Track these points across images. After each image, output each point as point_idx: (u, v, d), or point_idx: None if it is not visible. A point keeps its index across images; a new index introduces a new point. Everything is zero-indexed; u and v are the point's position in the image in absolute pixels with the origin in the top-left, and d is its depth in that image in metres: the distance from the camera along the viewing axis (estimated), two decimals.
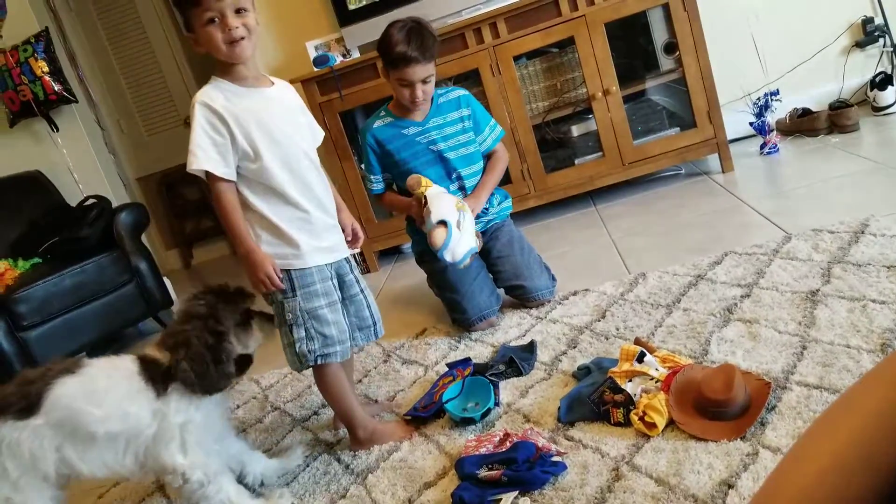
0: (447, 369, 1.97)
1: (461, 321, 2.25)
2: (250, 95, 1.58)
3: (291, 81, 3.11)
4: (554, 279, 2.33)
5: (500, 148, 2.40)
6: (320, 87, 3.14)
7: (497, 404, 1.73)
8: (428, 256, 2.37)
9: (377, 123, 2.27)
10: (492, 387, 1.74)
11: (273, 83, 1.67)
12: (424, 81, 2.13)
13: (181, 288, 4.46)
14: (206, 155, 1.52)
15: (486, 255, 2.32)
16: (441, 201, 2.06)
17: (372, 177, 2.33)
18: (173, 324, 1.54)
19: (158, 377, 1.46)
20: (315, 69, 3.12)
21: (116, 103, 5.10)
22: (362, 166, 2.37)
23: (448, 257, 2.02)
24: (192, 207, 5.20)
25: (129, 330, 3.60)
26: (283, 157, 1.59)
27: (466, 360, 1.97)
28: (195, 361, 1.44)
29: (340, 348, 1.66)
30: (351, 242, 1.82)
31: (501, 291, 2.34)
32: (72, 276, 3.11)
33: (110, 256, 3.26)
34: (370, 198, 2.46)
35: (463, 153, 2.28)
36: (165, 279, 3.64)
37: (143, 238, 3.54)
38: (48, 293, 3.03)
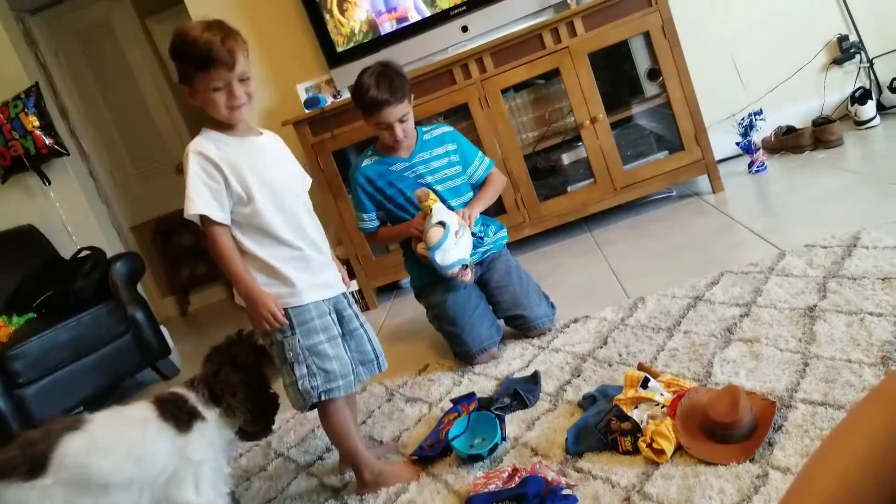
0: (451, 405, 1.96)
1: (462, 354, 2.24)
2: (241, 144, 1.62)
3: (283, 123, 3.19)
4: (553, 307, 2.34)
5: (495, 172, 2.45)
6: (312, 128, 3.17)
7: (504, 438, 1.71)
8: (427, 291, 2.38)
9: (365, 162, 2.31)
10: (498, 421, 1.73)
11: (262, 133, 1.71)
12: (401, 120, 2.18)
13: (178, 336, 4.43)
14: (202, 200, 1.54)
15: (484, 285, 2.33)
16: (445, 210, 2.14)
17: (364, 215, 2.36)
18: (213, 368, 1.61)
19: (183, 414, 1.51)
20: (306, 111, 3.16)
21: (108, 153, 5.13)
22: (356, 211, 2.41)
23: (438, 258, 2.06)
24: (186, 254, 5.20)
25: (127, 381, 3.57)
26: (276, 200, 1.62)
27: (470, 395, 1.96)
28: (250, 407, 1.59)
29: (343, 382, 1.66)
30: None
31: (501, 322, 2.34)
32: (67, 329, 3.09)
33: (106, 307, 3.24)
34: (365, 237, 2.49)
35: (450, 185, 2.32)
36: (162, 327, 3.62)
37: (139, 287, 3.54)
38: (44, 348, 3.00)
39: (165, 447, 1.46)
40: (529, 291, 2.31)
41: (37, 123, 3.80)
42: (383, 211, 2.35)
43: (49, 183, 3.99)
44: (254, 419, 1.61)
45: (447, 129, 2.39)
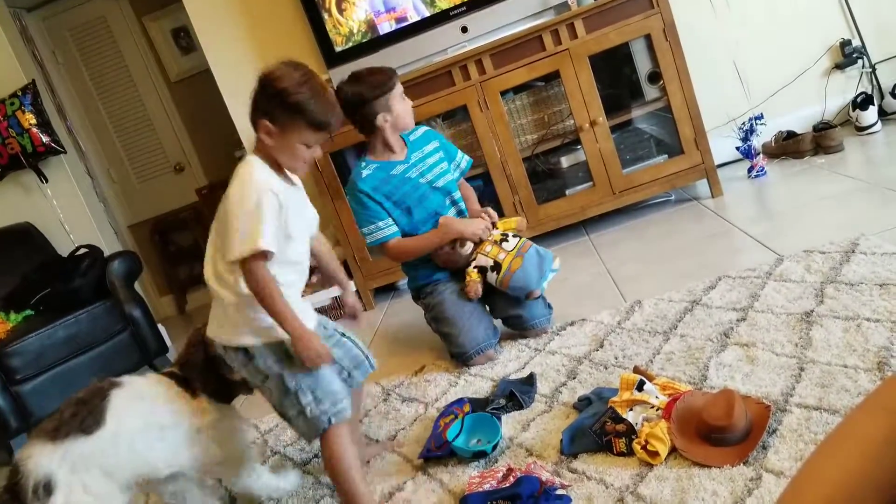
0: (446, 409, 1.95)
1: (459, 355, 2.24)
2: (288, 190, 1.58)
3: None
4: (550, 307, 2.33)
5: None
6: None
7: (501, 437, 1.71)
8: (425, 292, 2.38)
9: (364, 173, 2.26)
10: (496, 419, 1.73)
11: (295, 182, 1.67)
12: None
13: (176, 334, 4.43)
14: (272, 237, 1.47)
15: (486, 290, 2.32)
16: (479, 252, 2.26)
17: (380, 223, 2.26)
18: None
19: (185, 385, 1.69)
20: None
21: (106, 152, 5.12)
22: (363, 229, 2.30)
23: (531, 285, 2.22)
24: (184, 253, 5.19)
25: None
26: (298, 248, 1.61)
27: (461, 400, 1.96)
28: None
29: (347, 402, 1.60)
30: (349, 318, 1.88)
31: (499, 323, 2.34)
32: (65, 327, 3.09)
33: (104, 306, 3.24)
34: (387, 251, 2.32)
35: (449, 179, 2.37)
36: (160, 326, 3.62)
37: (137, 286, 3.53)
38: (41, 345, 3.00)
39: (186, 406, 1.66)
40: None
41: (34, 121, 3.80)
42: (393, 218, 2.30)
43: (46, 181, 3.98)
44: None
45: (425, 128, 2.46)
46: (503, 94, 3.14)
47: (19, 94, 3.82)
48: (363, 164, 2.30)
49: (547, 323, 2.29)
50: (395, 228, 2.27)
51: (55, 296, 3.30)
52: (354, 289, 1.88)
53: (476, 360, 2.22)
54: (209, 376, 1.70)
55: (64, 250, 3.69)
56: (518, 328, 2.30)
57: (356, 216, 2.33)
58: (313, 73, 1.53)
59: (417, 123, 2.44)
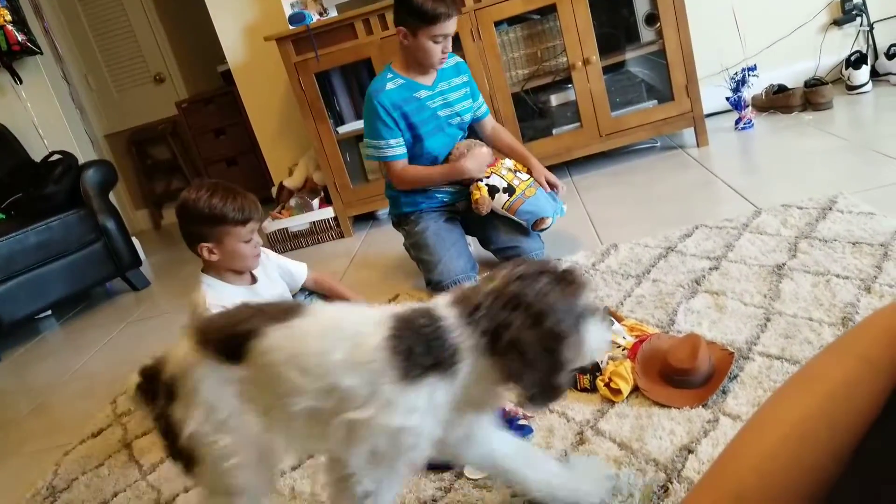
0: None
1: (434, 284, 2.25)
2: (245, 292, 1.78)
3: (266, 38, 3.09)
4: (543, 242, 2.35)
5: (491, 119, 2.49)
6: (295, 46, 3.07)
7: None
8: (407, 219, 2.38)
9: (389, 86, 2.22)
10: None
11: (256, 278, 1.84)
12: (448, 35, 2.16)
13: (151, 249, 4.40)
14: None
15: (483, 219, 2.32)
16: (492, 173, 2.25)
17: (392, 140, 2.23)
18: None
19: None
20: (290, 27, 3.05)
21: (84, 57, 4.95)
22: (371, 141, 2.25)
23: (543, 212, 2.21)
24: (162, 167, 5.11)
25: (97, 290, 3.56)
26: None
27: None
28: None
29: None
30: None
31: (491, 256, 2.36)
32: (37, 233, 3.05)
33: (77, 215, 3.20)
34: (387, 170, 2.29)
35: (465, 119, 2.35)
36: (134, 239, 3.58)
37: (111, 197, 3.48)
38: (12, 250, 2.97)
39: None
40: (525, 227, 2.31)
41: (9, 18, 3.64)
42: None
43: (20, 82, 3.85)
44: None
45: (459, 58, 2.37)
46: (497, 24, 3.06)
47: None
48: (389, 74, 2.25)
49: (542, 254, 2.30)
50: (403, 150, 2.26)
51: (27, 201, 3.25)
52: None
53: (451, 289, 2.23)
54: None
55: (37, 155, 3.60)
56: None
57: (368, 125, 2.28)
58: (216, 183, 1.70)
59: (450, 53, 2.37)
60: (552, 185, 2.31)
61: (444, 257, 2.23)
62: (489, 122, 2.48)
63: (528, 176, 2.29)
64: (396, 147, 2.24)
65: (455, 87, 2.32)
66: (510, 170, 2.27)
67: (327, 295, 2.06)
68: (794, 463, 0.62)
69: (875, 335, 0.65)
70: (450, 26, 2.10)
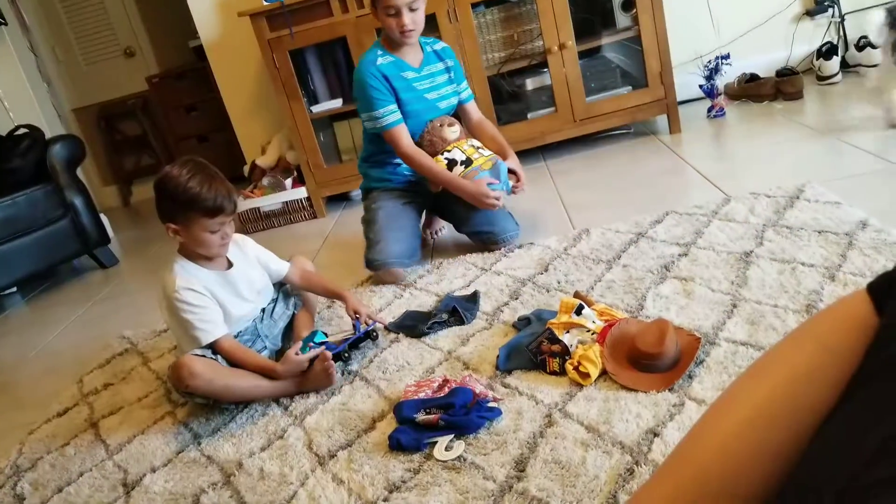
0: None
1: (368, 262, 2.28)
2: (217, 278, 1.78)
3: (240, 14, 3.04)
4: (518, 225, 2.36)
5: (477, 110, 2.50)
6: (269, 22, 3.02)
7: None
8: (372, 194, 2.42)
9: (379, 61, 2.24)
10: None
11: (231, 263, 1.83)
12: (412, 9, 2.14)
13: (119, 226, 4.33)
14: (204, 334, 1.73)
15: (455, 201, 2.32)
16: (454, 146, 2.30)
17: (384, 109, 2.22)
18: None
19: None
20: (264, 3, 3.00)
21: (52, 29, 4.82)
22: (373, 111, 2.23)
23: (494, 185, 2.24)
24: (131, 143, 5.02)
25: (63, 267, 3.49)
26: (241, 308, 1.83)
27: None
28: None
29: None
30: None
31: (465, 238, 2.39)
32: (2, 208, 2.98)
33: (43, 190, 3.13)
34: (389, 138, 2.26)
35: (452, 102, 2.38)
36: (102, 216, 3.52)
37: (79, 172, 3.40)
38: None
39: None
40: (501, 210, 2.32)
41: None
42: None
43: None
44: None
45: (445, 44, 2.42)
46: (474, 6, 3.04)
47: None
48: (378, 51, 2.27)
49: (517, 237, 2.32)
50: (399, 116, 2.25)
51: None
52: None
53: (382, 272, 2.26)
54: None
55: (2, 129, 3.51)
56: (487, 241, 2.32)
57: (362, 98, 2.26)
58: (201, 165, 1.67)
59: (434, 38, 2.47)
60: (517, 177, 2.33)
61: (385, 238, 2.26)
62: (474, 112, 2.49)
63: (490, 153, 2.29)
64: (393, 113, 2.24)
65: (440, 72, 2.35)
66: (474, 147, 2.30)
67: (318, 293, 2.04)
68: (755, 446, 0.63)
69: (836, 323, 0.67)
70: None
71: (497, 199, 2.23)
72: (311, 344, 1.73)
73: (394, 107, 2.24)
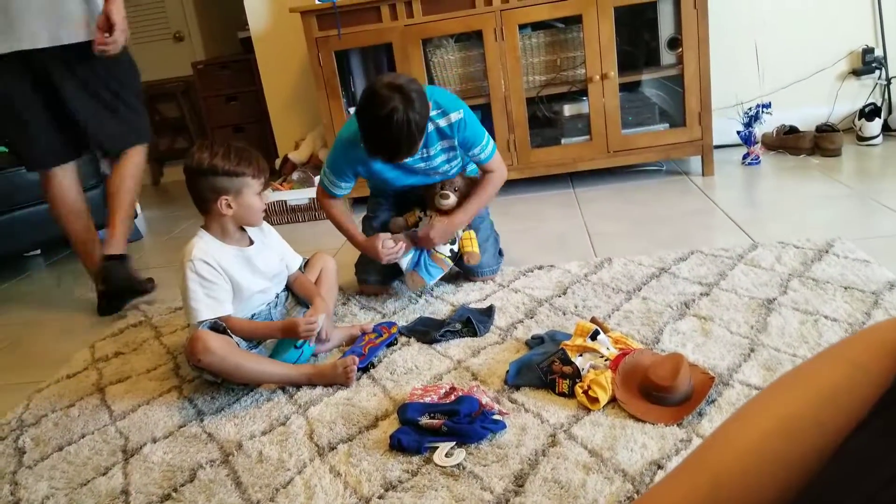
0: (374, 328, 1.97)
1: (357, 277, 2.30)
2: (236, 254, 1.81)
3: (291, 10, 3.09)
4: (502, 255, 2.34)
5: (497, 165, 2.17)
6: (319, 21, 3.07)
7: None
8: (372, 204, 2.38)
9: (362, 154, 2.00)
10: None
11: (252, 241, 1.86)
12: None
13: (147, 203, 4.39)
14: (207, 308, 1.74)
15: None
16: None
17: (340, 182, 2.14)
18: None
19: None
20: (317, 2, 3.05)
21: None
22: (326, 168, 2.16)
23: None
24: (168, 124, 5.09)
25: None
26: (251, 287, 1.84)
27: (391, 323, 1.99)
28: None
29: None
30: (320, 341, 1.90)
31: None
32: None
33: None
34: (322, 199, 2.24)
35: (445, 170, 2.16)
36: None
37: None
38: (11, 183, 2.97)
39: None
40: (487, 245, 2.29)
41: None
42: (370, 180, 2.26)
43: None
44: None
45: (458, 115, 2.02)
46: (521, 27, 3.06)
47: None
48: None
49: (494, 273, 2.28)
50: (347, 192, 2.19)
51: None
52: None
53: (364, 286, 2.29)
54: None
55: None
56: (467, 273, 2.28)
57: (333, 161, 2.13)
58: (221, 143, 1.74)
59: (452, 97, 2.07)
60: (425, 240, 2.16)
61: (368, 258, 2.23)
62: (487, 168, 2.19)
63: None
64: (339, 190, 2.16)
65: (438, 153, 2.08)
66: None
67: (302, 296, 2.00)
68: (777, 457, 0.63)
69: (868, 344, 0.67)
70: None
71: (395, 252, 2.11)
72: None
73: (348, 185, 2.16)
